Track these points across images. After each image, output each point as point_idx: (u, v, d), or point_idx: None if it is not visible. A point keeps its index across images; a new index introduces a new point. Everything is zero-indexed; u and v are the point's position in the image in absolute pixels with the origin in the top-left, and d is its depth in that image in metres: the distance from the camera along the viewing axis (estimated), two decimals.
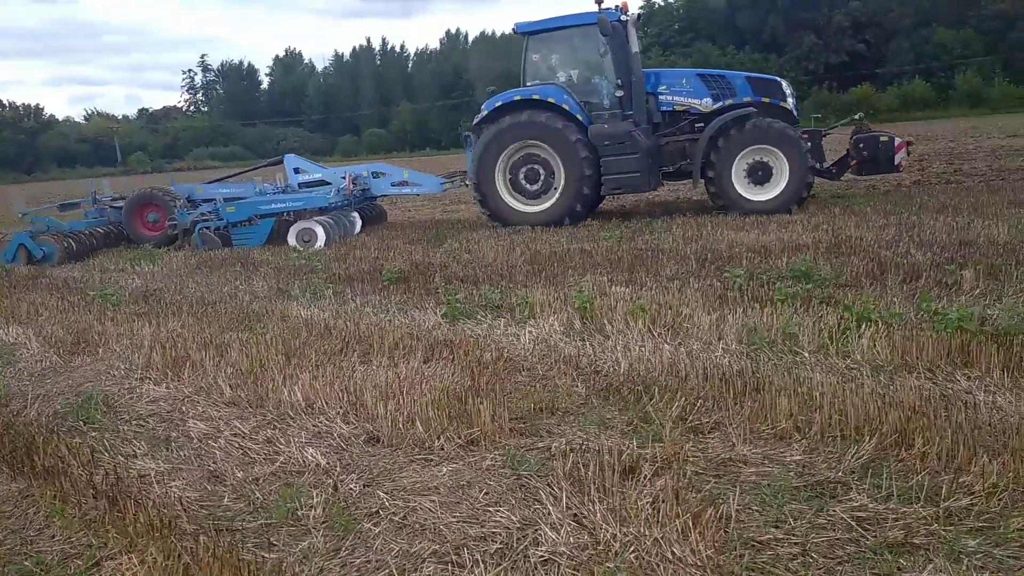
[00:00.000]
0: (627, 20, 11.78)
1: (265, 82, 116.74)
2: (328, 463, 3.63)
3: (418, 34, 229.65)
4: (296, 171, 13.50)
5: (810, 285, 6.14)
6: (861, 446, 3.30)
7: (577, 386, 4.41)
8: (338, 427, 4.05)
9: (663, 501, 2.93)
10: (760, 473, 3.22)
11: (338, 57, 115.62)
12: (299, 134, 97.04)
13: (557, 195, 11.64)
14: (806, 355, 4.55)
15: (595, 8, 11.59)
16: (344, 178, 12.73)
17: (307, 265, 9.40)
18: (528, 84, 12.14)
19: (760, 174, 11.08)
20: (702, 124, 11.52)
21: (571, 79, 12.22)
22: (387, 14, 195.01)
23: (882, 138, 11.69)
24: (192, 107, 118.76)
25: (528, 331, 5.57)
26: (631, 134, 11.39)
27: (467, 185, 13.23)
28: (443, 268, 8.51)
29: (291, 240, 11.37)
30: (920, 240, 7.84)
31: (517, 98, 11.70)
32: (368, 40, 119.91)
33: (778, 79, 12.28)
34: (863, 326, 4.85)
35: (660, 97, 11.73)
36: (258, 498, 3.33)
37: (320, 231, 11.33)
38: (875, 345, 4.52)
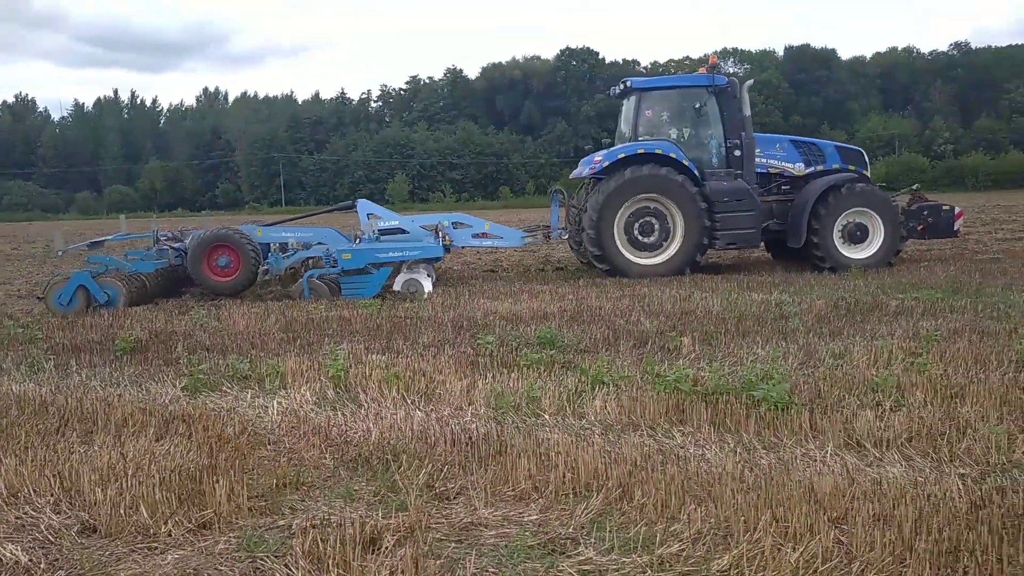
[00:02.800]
0: (744, 85, 12.55)
1: None
2: (31, 560, 3.20)
3: (172, 90, 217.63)
4: (369, 216, 12.26)
5: (553, 351, 6.54)
6: (590, 501, 3.53)
7: (325, 458, 4.29)
8: (47, 518, 3.59)
9: (402, 571, 2.92)
10: (500, 535, 3.32)
11: (78, 107, 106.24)
12: (27, 188, 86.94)
13: (676, 246, 11.98)
14: (547, 417, 4.82)
15: (706, 72, 12.52)
16: (437, 228, 11.89)
17: (24, 335, 8.35)
18: (640, 139, 12.43)
19: (859, 234, 12.08)
20: (788, 187, 12.53)
21: (681, 136, 12.70)
22: (135, 66, 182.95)
23: (944, 207, 12.92)
24: None
25: (277, 402, 5.36)
26: (749, 192, 12.04)
27: (548, 239, 13.44)
28: (187, 337, 7.97)
29: (397, 288, 10.75)
30: (649, 310, 8.68)
31: (640, 151, 11.96)
32: (115, 91, 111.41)
33: (860, 149, 13.45)
34: (597, 388, 5.24)
35: (756, 160, 12.41)
36: None
37: (427, 282, 10.86)
38: (606, 406, 4.90)
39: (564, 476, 3.78)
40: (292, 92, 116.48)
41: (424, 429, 4.61)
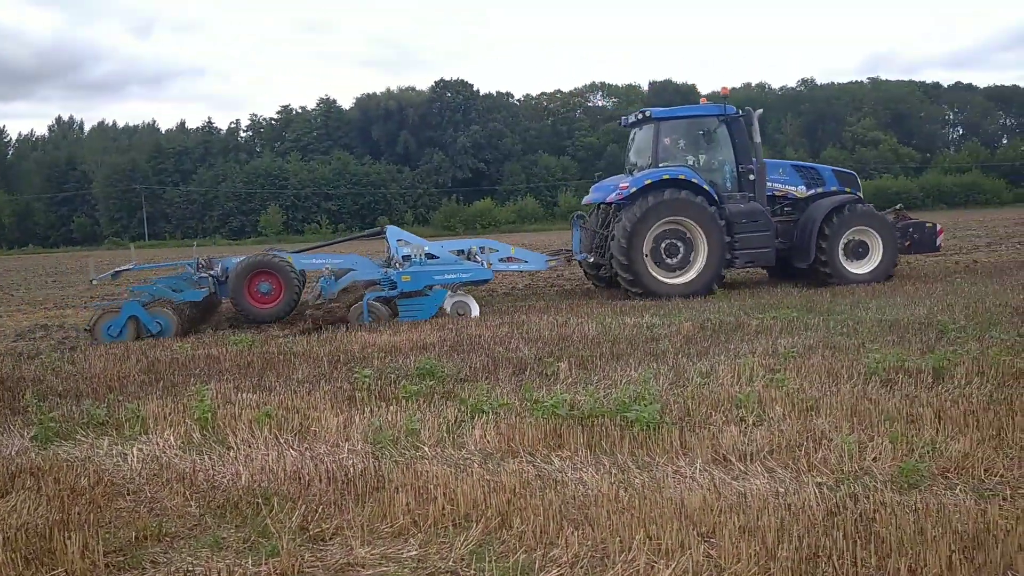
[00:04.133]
0: (755, 114, 13.39)
1: None
2: None
3: (21, 120, 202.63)
4: (398, 242, 12.29)
5: (433, 382, 6.50)
6: (469, 532, 3.51)
7: (190, 506, 4.06)
8: None
9: None
10: (377, 574, 3.24)
11: None
12: None
13: (701, 266, 12.55)
14: (426, 449, 4.77)
15: (721, 102, 13.41)
16: (469, 252, 12.43)
17: None
18: (660, 165, 12.95)
19: (860, 251, 13.08)
20: (791, 208, 13.51)
21: (697, 162, 13.41)
22: None
23: (927, 224, 14.04)
24: None
25: (138, 449, 5.04)
26: (764, 213, 12.87)
27: (569, 262, 14.03)
28: (37, 382, 7.38)
29: (447, 310, 11.05)
30: (528, 336, 8.79)
31: (665, 177, 12.47)
32: None
33: (854, 172, 14.37)
34: (476, 417, 5.24)
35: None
36: None
37: (474, 305, 11.29)
38: (486, 434, 4.90)
39: (443, 508, 3.75)
40: (155, 121, 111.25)
41: (298, 469, 4.45)
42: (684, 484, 4.04)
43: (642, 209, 12.27)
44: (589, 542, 3.36)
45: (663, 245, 12.53)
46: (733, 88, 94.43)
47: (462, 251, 12.51)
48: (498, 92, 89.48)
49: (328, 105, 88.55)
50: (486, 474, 4.21)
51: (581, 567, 3.17)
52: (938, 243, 14.25)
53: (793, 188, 13.69)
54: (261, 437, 5.14)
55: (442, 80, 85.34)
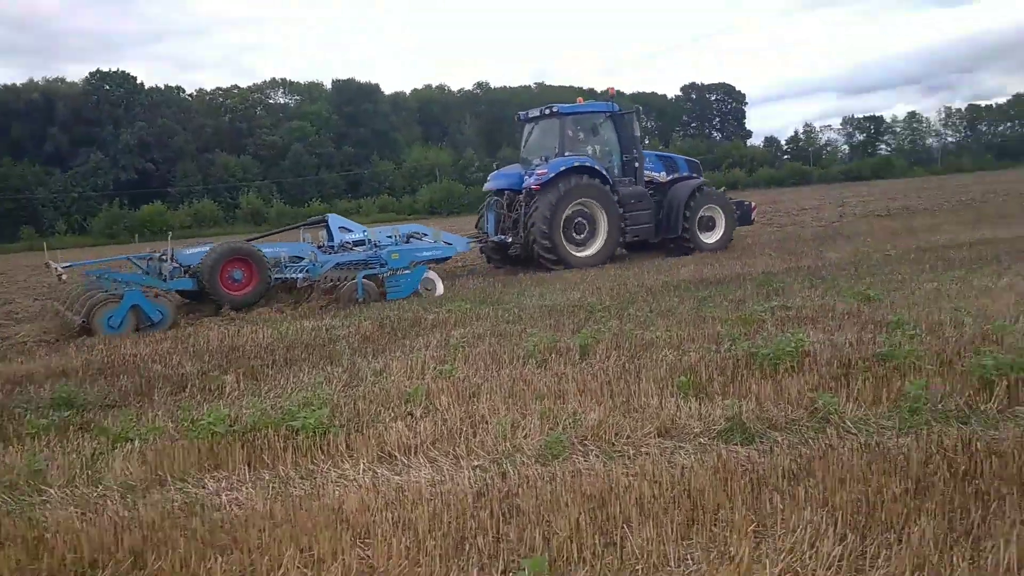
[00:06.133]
0: (634, 111, 16.15)
1: None
2: None
3: None
4: (340, 229, 13.62)
5: (70, 412, 5.70)
6: None
7: None
8: None
9: None
10: None
11: None
12: None
13: (603, 241, 14.79)
14: (53, 491, 4.14)
15: (612, 100, 16.01)
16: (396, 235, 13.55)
17: None
18: (567, 155, 14.80)
19: (711, 224, 16.01)
20: (653, 191, 15.75)
21: (594, 152, 15.44)
22: None
23: (746, 203, 17.30)
24: None
25: None
26: (646, 195, 15.43)
27: (480, 243, 15.69)
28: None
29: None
30: (192, 350, 8.13)
31: (575, 163, 14.43)
32: None
33: (698, 161, 17.34)
34: (119, 447, 4.68)
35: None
36: None
37: (439, 281, 12.19)
38: (129, 466, 4.40)
39: (64, 558, 3.26)
40: None
41: None
42: (345, 488, 3.96)
43: (558, 193, 14.23)
44: (236, 567, 3.13)
45: (573, 224, 14.61)
46: (415, 89, 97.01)
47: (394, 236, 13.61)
48: (167, 86, 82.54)
49: None
50: (122, 510, 3.76)
51: None
52: (752, 217, 17.55)
53: (657, 174, 16.22)
54: None
55: (99, 71, 76.47)
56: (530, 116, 16.22)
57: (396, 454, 4.46)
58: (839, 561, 2.90)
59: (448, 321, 9.04)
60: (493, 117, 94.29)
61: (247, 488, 4.06)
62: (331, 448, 4.57)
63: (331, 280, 11.65)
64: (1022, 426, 4.09)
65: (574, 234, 14.66)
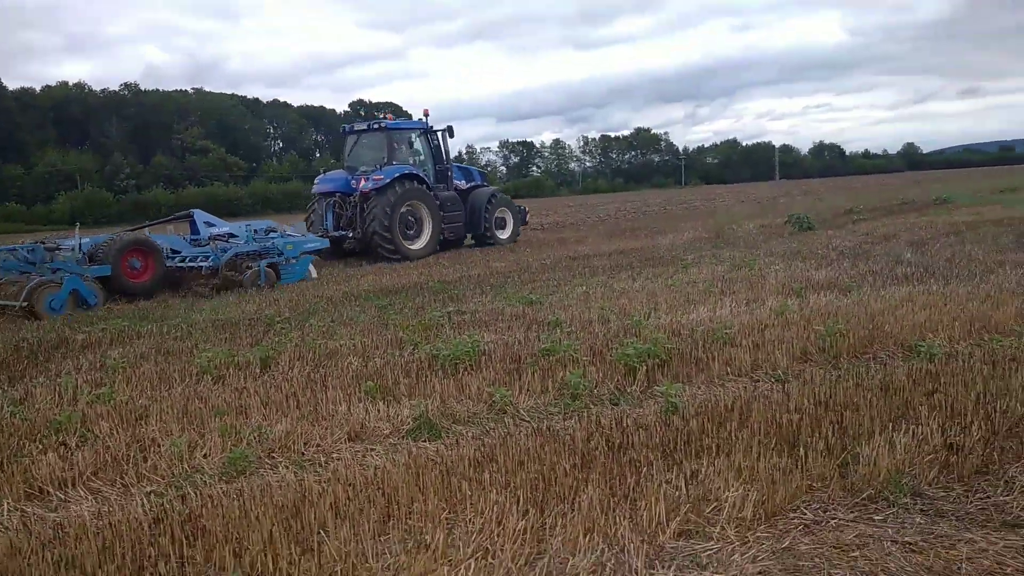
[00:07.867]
0: (446, 128, 18.56)
1: None
2: None
3: None
4: (205, 224, 14.46)
5: None
6: None
7: None
8: None
9: None
10: None
11: None
12: None
13: (428, 237, 17.52)
14: None
15: (425, 118, 18.89)
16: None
17: None
18: (393, 164, 17.35)
19: (502, 224, 19.82)
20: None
21: (415, 162, 18.21)
22: None
23: (522, 208, 21.04)
24: None
25: None
26: (458, 200, 18.55)
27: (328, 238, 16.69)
28: None
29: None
30: None
31: (407, 171, 17.16)
32: None
33: (485, 172, 20.67)
34: None
35: None
36: None
37: (314, 270, 14.01)
38: None
39: None
40: None
41: None
42: None
43: (396, 194, 16.54)
44: None
45: (405, 222, 16.92)
46: (48, 86, 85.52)
47: (259, 230, 14.49)
48: None
49: None
50: None
51: None
52: (526, 220, 21.26)
53: (461, 183, 19.29)
54: None
55: None
56: (356, 128, 18.83)
57: (49, 489, 3.90)
58: (523, 534, 3.15)
59: (103, 341, 8.10)
60: (145, 121, 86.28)
61: None
62: None
63: (246, 267, 12.59)
64: (660, 403, 4.82)
65: (406, 230, 17.11)
